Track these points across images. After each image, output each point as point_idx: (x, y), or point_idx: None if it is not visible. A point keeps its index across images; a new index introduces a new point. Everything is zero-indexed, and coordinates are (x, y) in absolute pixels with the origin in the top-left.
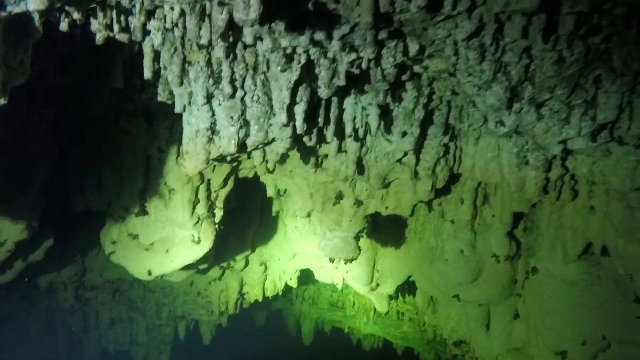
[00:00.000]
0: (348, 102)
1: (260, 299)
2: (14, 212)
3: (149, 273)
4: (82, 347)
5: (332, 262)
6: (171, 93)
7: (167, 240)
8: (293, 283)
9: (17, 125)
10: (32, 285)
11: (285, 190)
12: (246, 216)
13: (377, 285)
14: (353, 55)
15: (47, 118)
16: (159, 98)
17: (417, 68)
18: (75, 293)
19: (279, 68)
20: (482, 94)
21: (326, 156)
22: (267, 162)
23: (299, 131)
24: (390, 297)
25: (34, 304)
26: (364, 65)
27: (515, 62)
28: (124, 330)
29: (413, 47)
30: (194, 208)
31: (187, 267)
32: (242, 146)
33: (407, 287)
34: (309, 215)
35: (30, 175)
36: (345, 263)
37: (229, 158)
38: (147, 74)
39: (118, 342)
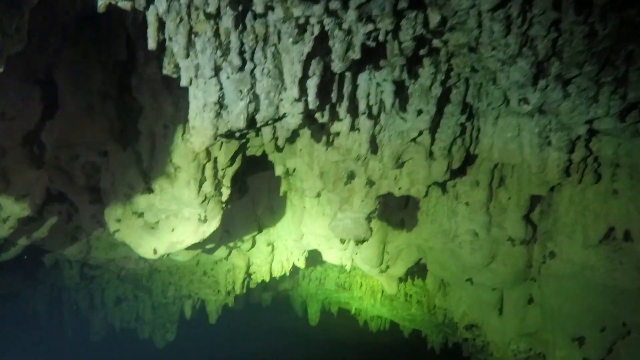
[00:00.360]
0: (362, 77)
1: (267, 279)
2: (17, 189)
3: (155, 252)
4: (88, 324)
5: (343, 243)
6: (177, 66)
7: (173, 219)
8: (301, 264)
9: (19, 99)
10: (38, 262)
11: (295, 170)
12: (254, 196)
13: (387, 267)
14: (370, 27)
15: (50, 92)
16: (164, 71)
17: (436, 42)
18: (80, 271)
19: (291, 40)
20: (506, 69)
21: (338, 134)
22: (276, 139)
23: (311, 106)
24: (400, 280)
25: (39, 281)
26: (381, 38)
27: (543, 36)
28: (129, 309)
29: (434, 19)
30: (200, 186)
31: (193, 247)
32: (251, 121)
33: (416, 270)
34: (318, 195)
35: (32, 150)
36: (356, 244)
37: (237, 134)
38: (152, 44)
39: (124, 320)
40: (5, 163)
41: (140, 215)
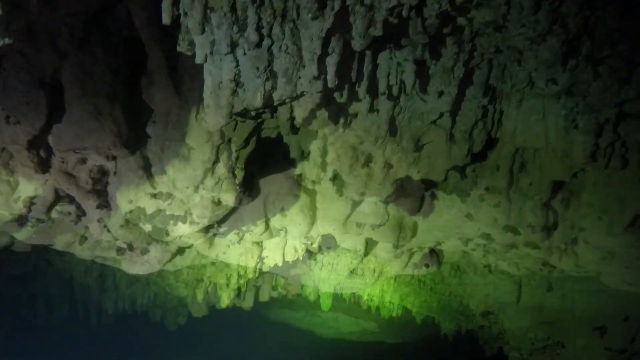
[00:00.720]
0: (382, 57)
1: (280, 263)
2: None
3: (167, 234)
4: (100, 306)
5: (359, 228)
6: (191, 43)
7: (186, 201)
8: (314, 248)
9: (24, 103)
10: (50, 245)
11: (310, 152)
12: (268, 178)
13: (402, 253)
14: (393, 2)
15: (57, 95)
16: (179, 49)
17: (461, 20)
18: (92, 253)
19: (310, 15)
20: (535, 47)
21: (356, 115)
22: (293, 119)
23: (330, 85)
24: (415, 266)
25: (51, 263)
26: (404, 13)
27: (575, 13)
28: (141, 292)
29: None
30: (214, 168)
31: (206, 229)
32: (268, 100)
33: (431, 256)
34: (334, 178)
35: (38, 154)
36: (372, 229)
37: (253, 113)
38: (166, 19)
39: (136, 303)
40: (13, 165)
41: (153, 196)
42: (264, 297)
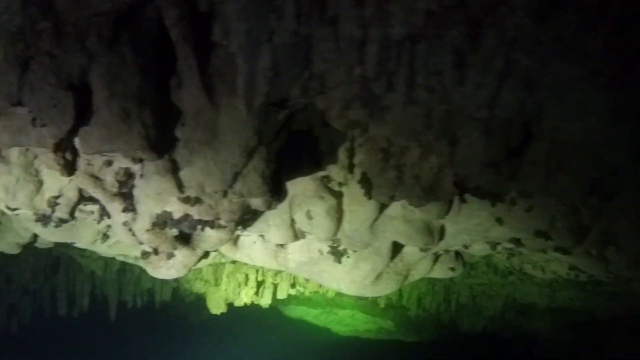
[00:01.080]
0: (421, 47)
1: (305, 259)
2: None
3: (194, 238)
4: (120, 297)
5: (386, 230)
6: (227, 32)
7: (214, 206)
8: (340, 251)
9: (51, 105)
10: (72, 242)
11: (339, 146)
12: (294, 180)
13: (428, 255)
14: None
15: (84, 97)
16: (213, 37)
17: (502, 10)
18: (115, 252)
19: (350, 2)
20: (582, 37)
21: (388, 108)
22: (326, 110)
23: (368, 74)
24: (441, 268)
25: (73, 258)
26: (446, 2)
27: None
28: (160, 288)
29: None
30: (243, 170)
31: (231, 232)
32: (304, 89)
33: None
34: (364, 174)
35: (64, 156)
36: (400, 232)
37: (289, 102)
38: (202, 6)
39: (155, 298)
40: (37, 165)
41: (181, 201)
42: (282, 294)
